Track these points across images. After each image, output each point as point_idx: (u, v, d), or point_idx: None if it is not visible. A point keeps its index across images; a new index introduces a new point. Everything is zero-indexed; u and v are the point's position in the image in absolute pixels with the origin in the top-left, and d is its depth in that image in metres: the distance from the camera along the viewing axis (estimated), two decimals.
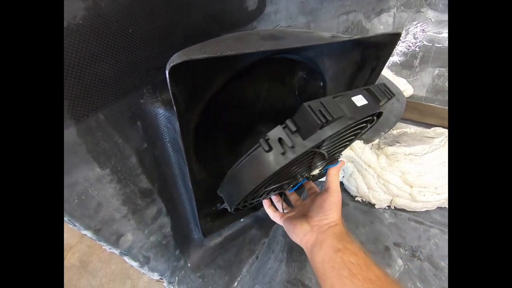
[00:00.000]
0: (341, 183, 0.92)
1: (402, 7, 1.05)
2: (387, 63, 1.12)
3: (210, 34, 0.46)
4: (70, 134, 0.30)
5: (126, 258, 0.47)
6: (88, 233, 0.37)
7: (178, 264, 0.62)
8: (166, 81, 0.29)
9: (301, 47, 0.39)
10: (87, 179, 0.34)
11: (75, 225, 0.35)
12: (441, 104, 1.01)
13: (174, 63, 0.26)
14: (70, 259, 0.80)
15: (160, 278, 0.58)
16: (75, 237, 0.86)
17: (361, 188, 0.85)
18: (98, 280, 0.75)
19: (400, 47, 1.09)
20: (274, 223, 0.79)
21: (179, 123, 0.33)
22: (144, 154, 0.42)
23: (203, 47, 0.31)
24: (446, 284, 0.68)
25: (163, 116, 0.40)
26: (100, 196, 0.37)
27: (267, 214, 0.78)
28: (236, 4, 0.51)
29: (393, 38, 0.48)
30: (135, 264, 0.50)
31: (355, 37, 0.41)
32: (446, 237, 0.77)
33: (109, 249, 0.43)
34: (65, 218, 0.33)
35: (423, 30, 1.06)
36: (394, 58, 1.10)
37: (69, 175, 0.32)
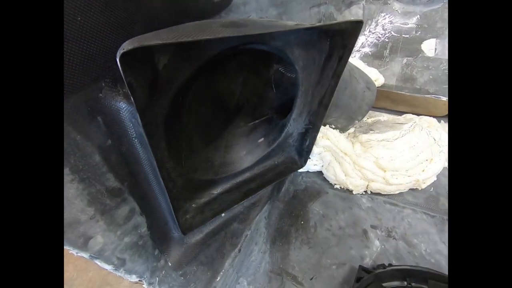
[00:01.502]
0: (320, 173, 0.95)
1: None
2: (360, 54, 1.15)
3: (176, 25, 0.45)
4: None
5: (97, 262, 0.45)
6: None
7: (158, 264, 0.60)
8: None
9: (266, 34, 0.39)
10: None
11: None
12: (410, 91, 1.06)
13: (125, 50, 0.25)
14: None
15: (139, 280, 0.57)
16: None
17: (339, 176, 0.87)
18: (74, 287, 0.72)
19: (370, 39, 1.13)
20: (256, 215, 0.80)
21: (139, 115, 0.32)
22: (108, 151, 0.40)
23: (158, 33, 0.30)
24: (419, 260, 0.72)
25: (127, 110, 0.39)
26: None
27: (248, 208, 0.78)
28: None
29: (355, 26, 0.50)
30: (108, 267, 0.48)
31: (317, 24, 0.41)
32: (418, 216, 0.82)
33: (77, 253, 0.40)
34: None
35: (391, 21, 1.11)
36: (366, 49, 1.14)
37: None
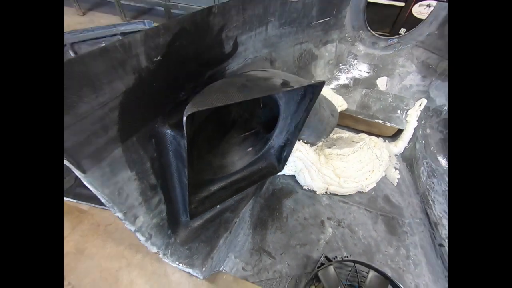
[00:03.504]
0: (294, 176, 1.21)
1: (342, 40, 1.37)
2: (331, 85, 1.43)
3: (201, 73, 0.67)
4: (118, 151, 0.48)
5: (137, 234, 0.65)
6: (120, 215, 0.55)
7: (170, 241, 0.81)
8: (173, 111, 0.48)
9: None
10: (123, 179, 0.52)
11: (114, 209, 0.52)
12: (365, 116, 1.37)
13: (188, 113, 0.46)
14: (66, 247, 0.92)
15: (157, 251, 0.77)
16: (67, 228, 0.96)
17: (307, 179, 1.14)
18: (96, 261, 0.90)
19: (340, 72, 1.42)
20: (243, 207, 1.03)
21: (186, 144, 0.53)
22: (154, 160, 0.61)
23: (202, 99, 0.52)
24: (356, 241, 1.02)
25: (170, 135, 0.59)
26: (128, 189, 0.55)
27: (237, 201, 1.01)
28: (218, 50, 0.71)
29: (321, 83, 0.75)
30: (142, 239, 0.68)
31: (296, 87, 0.65)
32: (361, 211, 1.12)
33: (129, 227, 0.61)
34: (108, 204, 0.51)
35: (356, 59, 1.40)
36: (335, 80, 1.42)
37: (115, 177, 0.50)
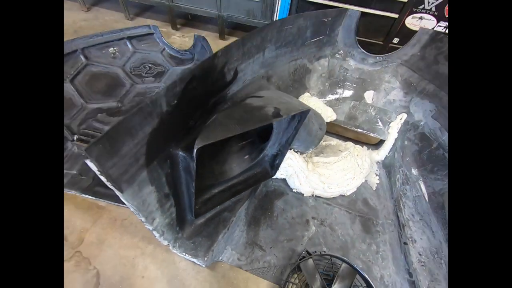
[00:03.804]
0: (285, 180, 1.37)
1: (334, 56, 1.48)
2: (322, 96, 1.56)
3: (206, 102, 0.80)
4: (144, 173, 0.63)
5: (154, 232, 0.81)
6: (143, 219, 0.71)
7: (178, 236, 0.97)
8: (184, 137, 0.63)
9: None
10: (146, 192, 0.67)
11: (139, 215, 0.68)
12: (352, 126, 1.51)
13: (198, 147, 0.61)
14: (89, 238, 1.08)
15: (167, 244, 0.94)
16: (89, 222, 1.13)
17: (296, 184, 1.30)
18: (115, 250, 1.07)
19: (331, 85, 1.54)
20: (239, 207, 1.19)
21: (195, 165, 0.68)
22: (168, 175, 0.76)
23: (208, 133, 0.66)
24: (335, 238, 1.19)
25: (182, 156, 0.74)
26: (149, 199, 0.70)
27: (234, 202, 1.17)
28: (221, 82, 0.85)
29: (307, 110, 0.89)
30: (157, 235, 0.84)
31: (284, 117, 0.79)
32: (342, 212, 1.29)
33: (148, 226, 0.77)
34: (135, 212, 0.66)
35: (346, 73, 1.52)
36: (327, 92, 1.55)
37: (141, 192, 0.65)
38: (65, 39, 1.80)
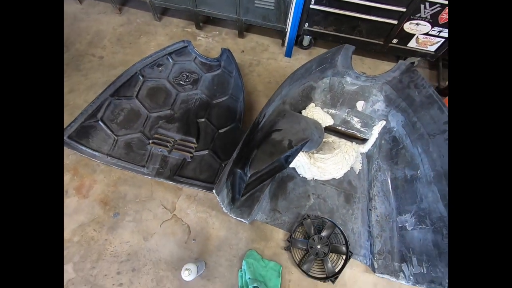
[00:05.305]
0: (294, 168, 2.00)
1: (334, 75, 1.92)
2: (324, 105, 2.05)
3: (249, 142, 1.40)
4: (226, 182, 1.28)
5: (221, 205, 1.52)
6: (220, 200, 1.40)
7: (232, 207, 1.69)
8: (239, 162, 1.26)
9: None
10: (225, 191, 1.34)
11: (219, 200, 1.36)
12: (346, 128, 2.03)
13: (251, 173, 1.24)
14: (177, 207, 1.85)
15: (226, 211, 1.66)
16: (175, 197, 1.88)
17: (302, 172, 1.93)
18: (195, 213, 1.83)
19: (329, 97, 2.01)
20: (265, 189, 1.88)
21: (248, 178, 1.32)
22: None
23: (255, 163, 1.27)
24: (326, 207, 1.89)
25: (239, 172, 1.37)
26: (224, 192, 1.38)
27: (262, 186, 1.86)
28: (257, 124, 1.41)
29: (305, 138, 1.46)
30: (223, 207, 1.55)
31: (295, 147, 1.37)
32: (333, 190, 1.95)
33: (220, 203, 1.46)
34: (220, 200, 1.34)
35: (343, 87, 1.97)
36: (327, 103, 2.03)
37: (223, 192, 1.31)
38: (110, 48, 2.32)
